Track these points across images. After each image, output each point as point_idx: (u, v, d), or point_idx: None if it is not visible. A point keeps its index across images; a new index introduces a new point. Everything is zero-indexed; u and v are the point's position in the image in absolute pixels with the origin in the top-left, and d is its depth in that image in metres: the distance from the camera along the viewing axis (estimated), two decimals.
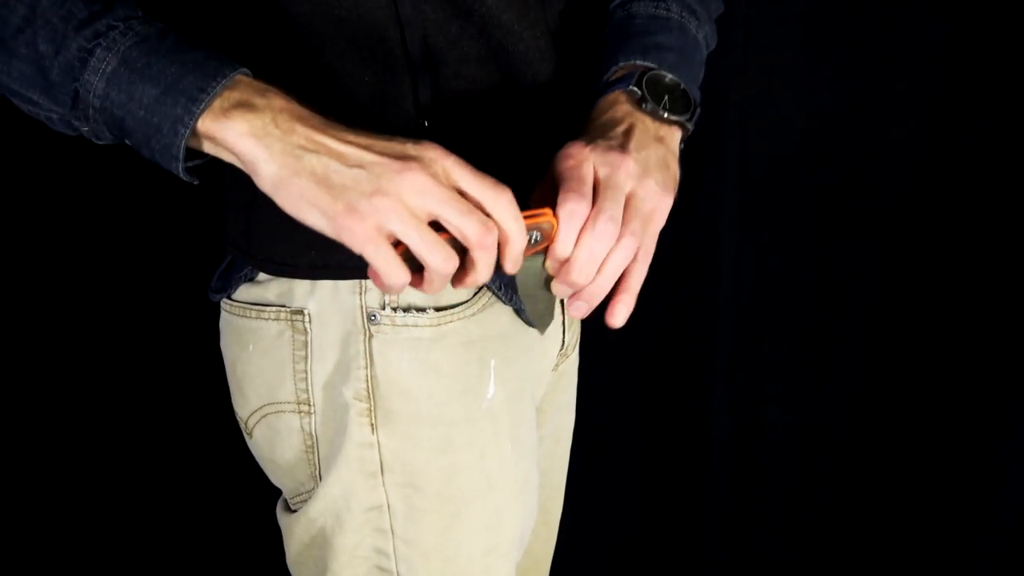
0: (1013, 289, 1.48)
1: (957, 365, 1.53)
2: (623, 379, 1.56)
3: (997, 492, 1.56)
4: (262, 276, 0.81)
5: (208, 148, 0.64)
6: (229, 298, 0.84)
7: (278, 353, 0.80)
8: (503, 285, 0.82)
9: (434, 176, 0.62)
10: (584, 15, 0.86)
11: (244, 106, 0.63)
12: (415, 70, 0.74)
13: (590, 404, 1.29)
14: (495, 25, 0.75)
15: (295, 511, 0.86)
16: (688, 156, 1.42)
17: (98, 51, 0.63)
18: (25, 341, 1.34)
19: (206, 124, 0.63)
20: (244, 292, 0.83)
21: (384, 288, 0.63)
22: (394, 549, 0.82)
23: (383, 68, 0.74)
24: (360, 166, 0.61)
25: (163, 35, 0.65)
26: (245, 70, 0.65)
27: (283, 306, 0.80)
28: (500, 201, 0.63)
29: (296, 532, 0.85)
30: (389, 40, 0.73)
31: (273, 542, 0.95)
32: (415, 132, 0.75)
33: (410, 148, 0.63)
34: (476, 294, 0.81)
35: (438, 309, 0.79)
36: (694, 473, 1.60)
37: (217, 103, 0.63)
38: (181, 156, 0.63)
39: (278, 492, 0.91)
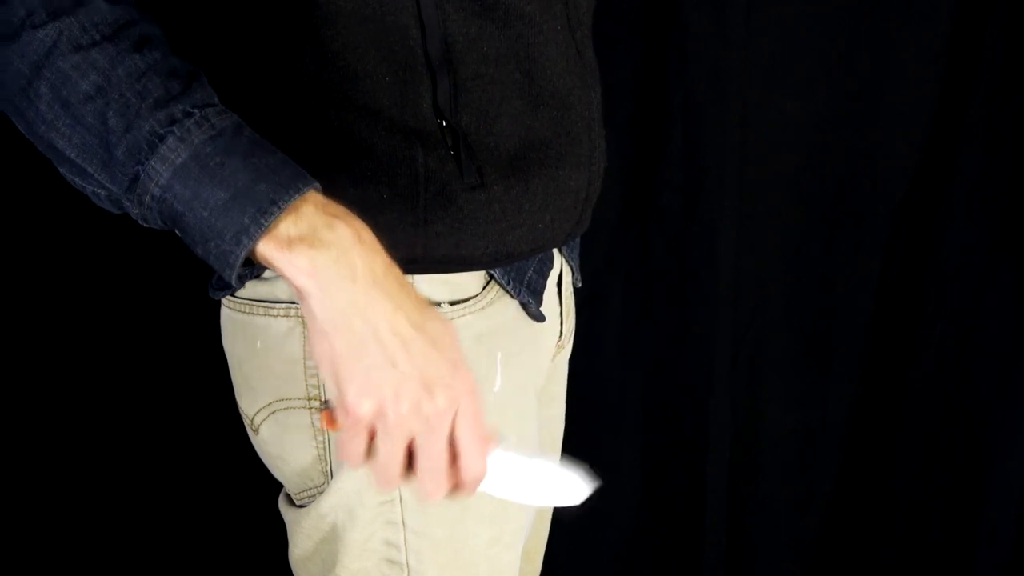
0: (1013, 289, 1.48)
1: (957, 365, 1.53)
2: (623, 378, 1.56)
3: (997, 493, 1.57)
4: (268, 273, 0.81)
5: (263, 263, 0.63)
6: (232, 295, 0.84)
7: (288, 350, 0.80)
8: (511, 280, 0.83)
9: (439, 414, 0.62)
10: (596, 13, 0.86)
11: (308, 240, 0.61)
12: (433, 70, 0.74)
13: (590, 404, 1.29)
14: (518, 16, 0.76)
15: (302, 506, 0.86)
16: (689, 155, 1.43)
17: (170, 139, 0.60)
18: (22, 337, 1.34)
19: (269, 250, 0.61)
20: (249, 289, 0.82)
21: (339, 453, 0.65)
22: (405, 541, 0.82)
23: (403, 68, 0.74)
24: (393, 364, 0.61)
25: (238, 131, 0.62)
26: (317, 184, 0.63)
27: (293, 303, 0.80)
28: (473, 471, 0.65)
29: (305, 526, 0.85)
30: (410, 40, 0.73)
31: (270, 533, 0.94)
32: (433, 132, 0.75)
33: (446, 373, 0.62)
34: (486, 287, 0.82)
35: (452, 303, 0.79)
36: (694, 473, 1.60)
37: (283, 227, 0.60)
38: (237, 266, 0.61)
39: (274, 486, 0.91)
